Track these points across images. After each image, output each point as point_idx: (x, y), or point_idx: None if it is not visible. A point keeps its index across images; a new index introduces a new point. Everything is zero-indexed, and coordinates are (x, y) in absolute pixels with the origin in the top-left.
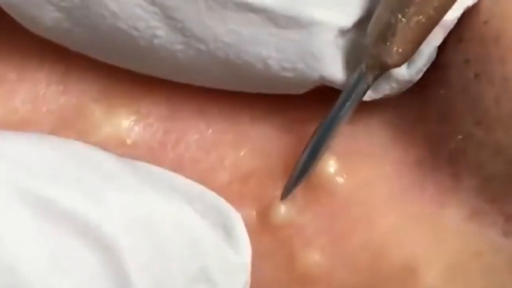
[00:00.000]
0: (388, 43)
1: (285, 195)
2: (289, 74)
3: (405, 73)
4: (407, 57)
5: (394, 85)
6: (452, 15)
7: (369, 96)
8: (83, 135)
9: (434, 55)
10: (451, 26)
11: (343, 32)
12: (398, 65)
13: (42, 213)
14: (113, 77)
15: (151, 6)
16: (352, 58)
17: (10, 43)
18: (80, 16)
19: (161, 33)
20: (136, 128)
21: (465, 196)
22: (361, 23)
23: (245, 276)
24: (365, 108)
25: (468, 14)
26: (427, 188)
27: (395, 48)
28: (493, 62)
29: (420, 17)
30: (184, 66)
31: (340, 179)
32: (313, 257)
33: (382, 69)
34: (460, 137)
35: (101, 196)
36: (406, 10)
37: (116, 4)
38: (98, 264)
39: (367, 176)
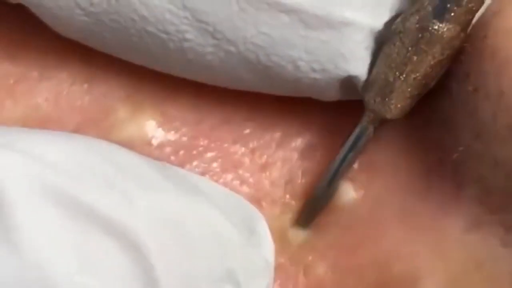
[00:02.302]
0: (386, 99)
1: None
2: (317, 75)
3: None
4: (405, 111)
5: None
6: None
7: None
8: (107, 135)
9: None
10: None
11: (373, 32)
12: (397, 118)
13: (71, 212)
14: (139, 77)
15: (182, 10)
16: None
17: (32, 41)
18: (109, 21)
19: (191, 36)
20: (162, 130)
21: (467, 206)
22: (391, 24)
23: (269, 277)
24: None
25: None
26: (432, 198)
27: (393, 104)
28: (490, 76)
29: (417, 74)
30: (213, 68)
31: (351, 195)
32: (323, 271)
33: (382, 122)
34: (461, 148)
35: (129, 196)
36: (404, 68)
37: (146, 9)
38: (126, 264)
39: (377, 189)
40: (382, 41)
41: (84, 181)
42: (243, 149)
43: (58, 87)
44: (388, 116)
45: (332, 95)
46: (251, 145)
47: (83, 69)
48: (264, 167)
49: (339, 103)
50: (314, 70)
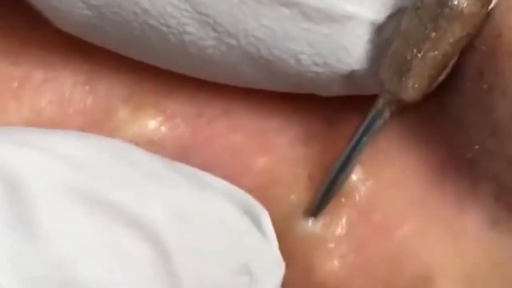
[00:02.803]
0: (403, 79)
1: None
2: (320, 69)
3: None
4: (423, 92)
5: None
6: None
7: None
8: (110, 136)
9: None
10: None
11: (375, 26)
12: (414, 100)
13: (91, 206)
14: (139, 76)
15: (182, 3)
16: (383, 53)
17: (35, 41)
18: (111, 14)
19: (192, 29)
20: (163, 129)
21: (484, 203)
22: (393, 18)
23: (281, 271)
24: None
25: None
26: (447, 193)
27: (410, 84)
28: (505, 75)
29: (436, 52)
30: (214, 62)
31: (361, 186)
32: (332, 266)
33: (399, 105)
34: (476, 147)
35: (145, 191)
36: (422, 45)
37: (148, 2)
38: (149, 259)
39: (388, 181)
40: (384, 34)
41: (100, 176)
42: (243, 139)
43: (61, 89)
44: (405, 97)
45: (334, 90)
46: (251, 135)
47: (85, 69)
48: (265, 156)
49: (341, 97)
50: (316, 64)
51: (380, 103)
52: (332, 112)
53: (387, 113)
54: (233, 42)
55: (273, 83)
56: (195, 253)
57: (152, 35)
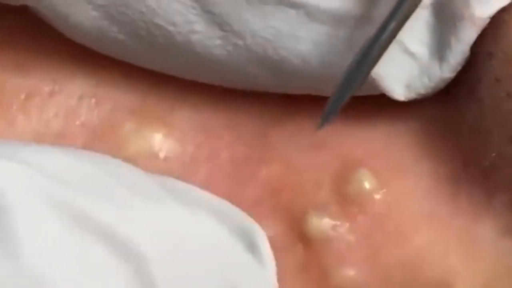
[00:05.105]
0: None
1: (325, 120)
2: (325, 70)
3: (437, 69)
4: None
5: (426, 81)
6: (486, 13)
7: (403, 95)
8: (115, 149)
9: (467, 53)
10: (484, 24)
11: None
12: None
13: (71, 221)
14: (145, 90)
15: (190, 1)
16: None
17: (42, 54)
18: (117, 14)
19: (199, 28)
20: (168, 142)
21: (499, 211)
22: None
23: None
24: (398, 121)
25: (497, 31)
26: (461, 202)
27: None
28: None
29: None
30: (221, 63)
31: (375, 194)
32: (347, 274)
33: None
34: (493, 154)
35: (130, 207)
36: None
37: (155, 0)
38: (128, 279)
39: (401, 190)
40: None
41: (84, 191)
42: (247, 147)
43: (67, 102)
44: None
45: None
46: (255, 143)
47: (91, 82)
48: (270, 162)
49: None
50: (322, 65)
51: None
52: (339, 121)
53: None
54: (240, 42)
55: (279, 84)
56: (179, 272)
57: (158, 34)
